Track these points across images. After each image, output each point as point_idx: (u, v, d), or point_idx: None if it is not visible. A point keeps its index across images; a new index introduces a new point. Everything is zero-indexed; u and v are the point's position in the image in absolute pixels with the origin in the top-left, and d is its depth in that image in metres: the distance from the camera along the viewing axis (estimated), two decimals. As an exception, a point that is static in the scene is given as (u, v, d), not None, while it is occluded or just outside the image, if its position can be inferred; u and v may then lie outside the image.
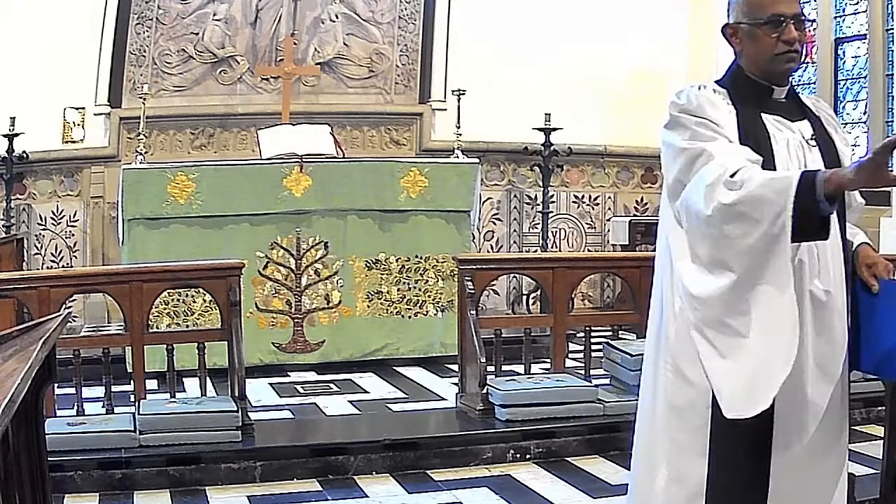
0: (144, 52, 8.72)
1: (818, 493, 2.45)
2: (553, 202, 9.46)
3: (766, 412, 2.35)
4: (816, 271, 2.42)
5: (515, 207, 9.60)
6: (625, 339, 6.01)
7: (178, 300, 6.97)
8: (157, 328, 6.57)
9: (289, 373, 7.06)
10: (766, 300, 2.25)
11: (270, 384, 6.66)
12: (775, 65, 2.48)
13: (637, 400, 5.18)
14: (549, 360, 6.01)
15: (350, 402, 6.21)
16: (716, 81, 2.57)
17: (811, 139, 2.51)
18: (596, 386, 5.54)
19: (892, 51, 8.59)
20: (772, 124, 2.48)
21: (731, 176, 2.26)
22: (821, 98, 2.74)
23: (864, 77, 8.86)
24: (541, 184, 9.24)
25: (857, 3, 9.00)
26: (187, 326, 6.91)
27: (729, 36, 2.55)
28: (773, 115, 2.50)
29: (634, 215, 9.79)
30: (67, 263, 8.55)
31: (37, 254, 8.55)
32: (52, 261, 8.57)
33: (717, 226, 2.28)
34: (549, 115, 8.85)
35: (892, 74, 8.61)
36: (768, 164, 2.41)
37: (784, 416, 2.40)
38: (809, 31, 9.45)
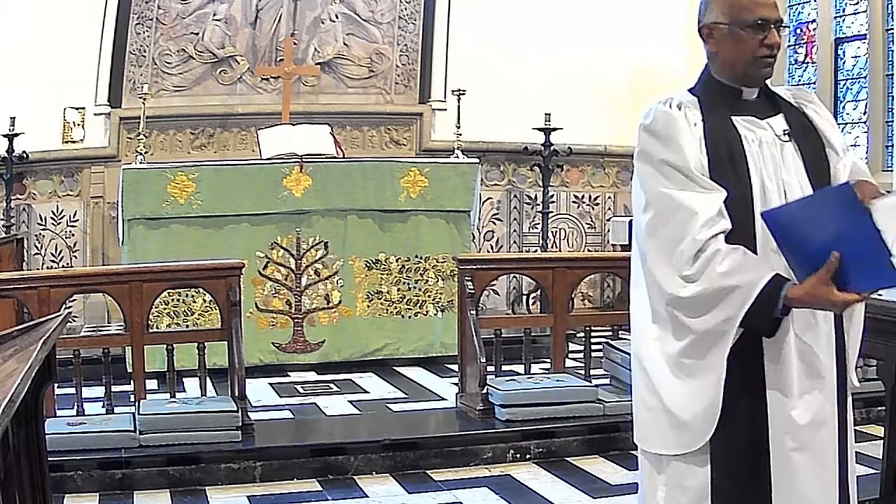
0: (144, 52, 8.72)
1: (822, 492, 2.44)
2: (553, 202, 9.46)
3: (759, 413, 2.37)
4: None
5: (515, 207, 9.60)
6: (625, 339, 6.00)
7: (178, 300, 6.97)
8: (157, 328, 6.57)
9: (289, 373, 7.06)
10: (698, 374, 2.35)
11: (270, 384, 6.66)
12: (754, 68, 2.46)
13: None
14: (549, 360, 6.01)
15: (350, 402, 6.21)
16: (689, 90, 2.55)
17: (784, 134, 2.47)
18: (596, 386, 5.54)
19: (892, 51, 8.59)
20: (742, 126, 2.45)
21: (689, 267, 2.31)
22: (815, 95, 2.71)
23: (864, 77, 8.86)
24: (541, 184, 9.24)
25: (857, 3, 9.00)
26: (187, 326, 6.91)
27: (705, 36, 2.53)
28: (742, 116, 2.47)
29: (634, 215, 9.77)
30: (67, 263, 8.54)
31: (37, 254, 8.55)
32: (52, 261, 8.57)
33: (673, 308, 2.38)
34: (549, 115, 8.86)
35: (892, 74, 8.61)
36: (741, 165, 2.40)
37: (776, 417, 2.39)
38: (809, 30, 9.46)
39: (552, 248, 9.40)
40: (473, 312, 5.55)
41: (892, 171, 8.48)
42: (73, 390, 5.18)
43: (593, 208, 9.84)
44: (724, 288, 2.27)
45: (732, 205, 2.36)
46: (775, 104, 2.53)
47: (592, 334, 5.97)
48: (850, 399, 2.53)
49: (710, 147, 2.40)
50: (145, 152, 7.49)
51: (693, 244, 2.31)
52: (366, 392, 6.54)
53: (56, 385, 4.65)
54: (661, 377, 2.42)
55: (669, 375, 2.40)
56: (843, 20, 9.19)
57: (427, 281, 7.45)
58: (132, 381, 5.23)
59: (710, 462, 2.41)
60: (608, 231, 9.77)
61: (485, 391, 5.34)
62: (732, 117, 2.45)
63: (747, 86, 2.49)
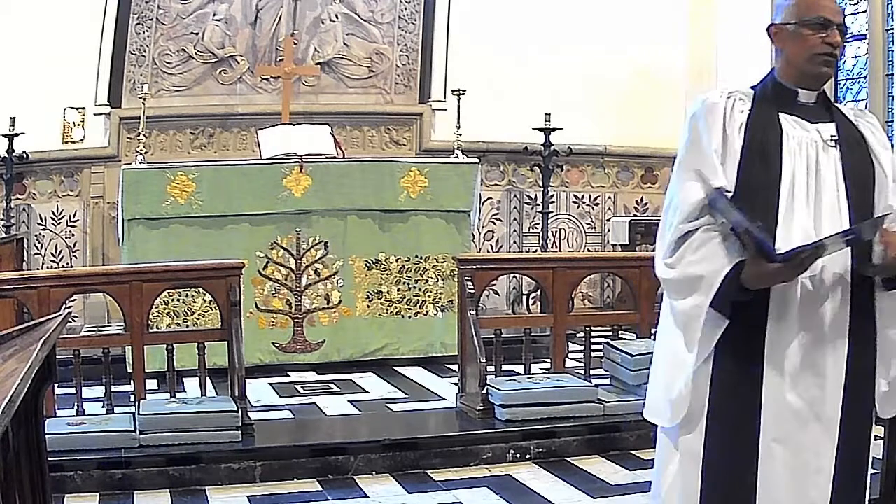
0: (144, 52, 8.72)
1: (799, 489, 2.47)
2: (553, 202, 9.46)
3: (753, 400, 2.44)
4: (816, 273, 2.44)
5: (515, 207, 9.60)
6: (625, 339, 6.01)
7: (178, 300, 6.97)
8: (157, 328, 6.57)
9: (289, 373, 7.06)
10: (675, 350, 2.53)
11: (270, 384, 6.66)
12: (813, 65, 2.54)
13: (637, 400, 5.20)
14: (549, 360, 6.01)
15: (350, 402, 6.21)
16: (751, 86, 2.64)
17: (831, 139, 2.54)
18: (596, 386, 5.54)
19: (892, 51, 8.59)
20: (787, 122, 2.54)
21: (671, 254, 2.51)
22: (876, 119, 2.79)
23: (864, 77, 8.86)
24: (541, 184, 9.24)
25: (857, 3, 9.00)
26: (187, 326, 6.91)
27: (772, 35, 2.62)
28: (792, 115, 2.55)
29: (634, 215, 9.79)
30: (67, 263, 8.54)
31: (37, 254, 8.55)
32: (52, 261, 8.57)
33: (663, 286, 2.59)
34: (549, 115, 8.85)
35: (892, 74, 8.61)
36: (775, 163, 2.48)
37: (769, 406, 2.45)
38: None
39: (552, 248, 9.40)
40: (473, 312, 5.55)
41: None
42: (73, 390, 5.18)
43: (593, 208, 9.84)
44: (694, 277, 2.45)
45: (757, 193, 2.46)
46: (830, 114, 2.61)
47: (592, 334, 5.97)
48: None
49: (749, 134, 2.51)
50: (145, 152, 7.49)
51: (675, 232, 2.50)
52: (366, 392, 6.54)
53: (56, 385, 4.65)
54: (660, 349, 2.64)
55: (663, 348, 2.62)
56: (845, 17, 9.18)
57: (427, 281, 7.45)
58: (132, 381, 5.23)
59: (703, 442, 2.50)
60: (608, 231, 9.77)
61: (485, 391, 5.34)
62: (780, 113, 2.55)
63: (806, 87, 2.58)
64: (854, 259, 2.46)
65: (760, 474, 2.46)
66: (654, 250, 2.69)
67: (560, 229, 9.69)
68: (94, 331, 7.71)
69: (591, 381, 5.66)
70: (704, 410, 2.50)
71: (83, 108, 8.58)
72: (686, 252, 2.47)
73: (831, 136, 2.55)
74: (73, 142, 8.58)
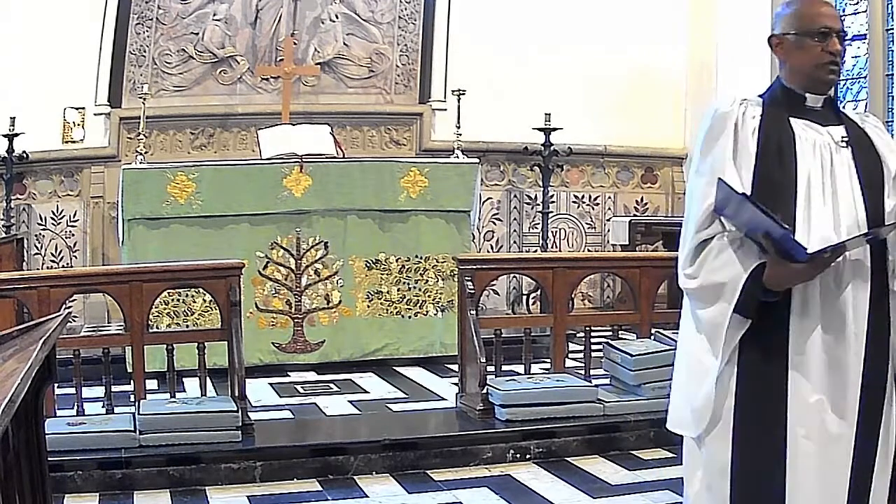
0: (144, 52, 8.72)
1: (832, 482, 2.49)
2: (553, 202, 9.46)
3: (779, 400, 2.46)
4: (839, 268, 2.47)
5: (515, 207, 9.60)
6: (625, 339, 6.01)
7: (178, 300, 6.97)
8: (157, 328, 6.57)
9: (289, 373, 7.06)
10: (699, 357, 2.55)
11: (270, 384, 6.66)
12: (819, 73, 2.59)
13: (637, 400, 5.21)
14: (549, 360, 6.01)
15: (350, 402, 6.21)
16: (759, 94, 2.68)
17: (842, 140, 2.59)
18: (596, 386, 5.54)
19: (892, 51, 8.59)
20: (799, 126, 2.58)
21: (690, 264, 2.54)
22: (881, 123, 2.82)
23: (864, 77, 8.86)
24: (541, 184, 9.24)
25: (857, 3, 9.00)
26: (187, 326, 6.91)
27: (774, 45, 2.67)
28: (802, 119, 2.60)
29: (634, 215, 9.78)
30: (67, 263, 8.54)
31: (37, 254, 8.55)
32: (52, 261, 8.57)
33: (686, 295, 2.61)
34: (549, 115, 8.85)
35: (892, 74, 8.60)
36: (791, 163, 2.52)
37: (795, 404, 2.47)
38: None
39: (552, 248, 9.40)
40: (473, 312, 5.55)
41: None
42: (73, 390, 5.18)
43: (593, 208, 9.84)
44: (716, 284, 2.48)
45: (776, 191, 2.50)
46: (839, 117, 2.66)
47: (592, 334, 5.97)
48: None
49: (762, 138, 2.55)
50: (145, 152, 7.49)
51: (692, 242, 2.54)
52: (366, 392, 6.54)
53: (56, 385, 4.66)
54: (682, 358, 2.64)
55: (685, 357, 2.62)
56: (843, 20, 9.18)
57: (427, 281, 7.44)
58: (132, 381, 5.23)
59: (732, 444, 2.52)
60: (608, 231, 9.77)
61: (485, 391, 5.33)
62: (791, 118, 2.59)
63: (813, 92, 2.63)
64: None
65: (789, 477, 2.47)
66: (653, 250, 2.71)
67: (560, 229, 9.69)
68: (94, 331, 7.71)
69: (591, 381, 5.66)
70: (730, 416, 2.51)
71: (83, 108, 8.58)
72: (706, 260, 2.50)
73: (842, 136, 2.60)
74: (73, 142, 8.58)
